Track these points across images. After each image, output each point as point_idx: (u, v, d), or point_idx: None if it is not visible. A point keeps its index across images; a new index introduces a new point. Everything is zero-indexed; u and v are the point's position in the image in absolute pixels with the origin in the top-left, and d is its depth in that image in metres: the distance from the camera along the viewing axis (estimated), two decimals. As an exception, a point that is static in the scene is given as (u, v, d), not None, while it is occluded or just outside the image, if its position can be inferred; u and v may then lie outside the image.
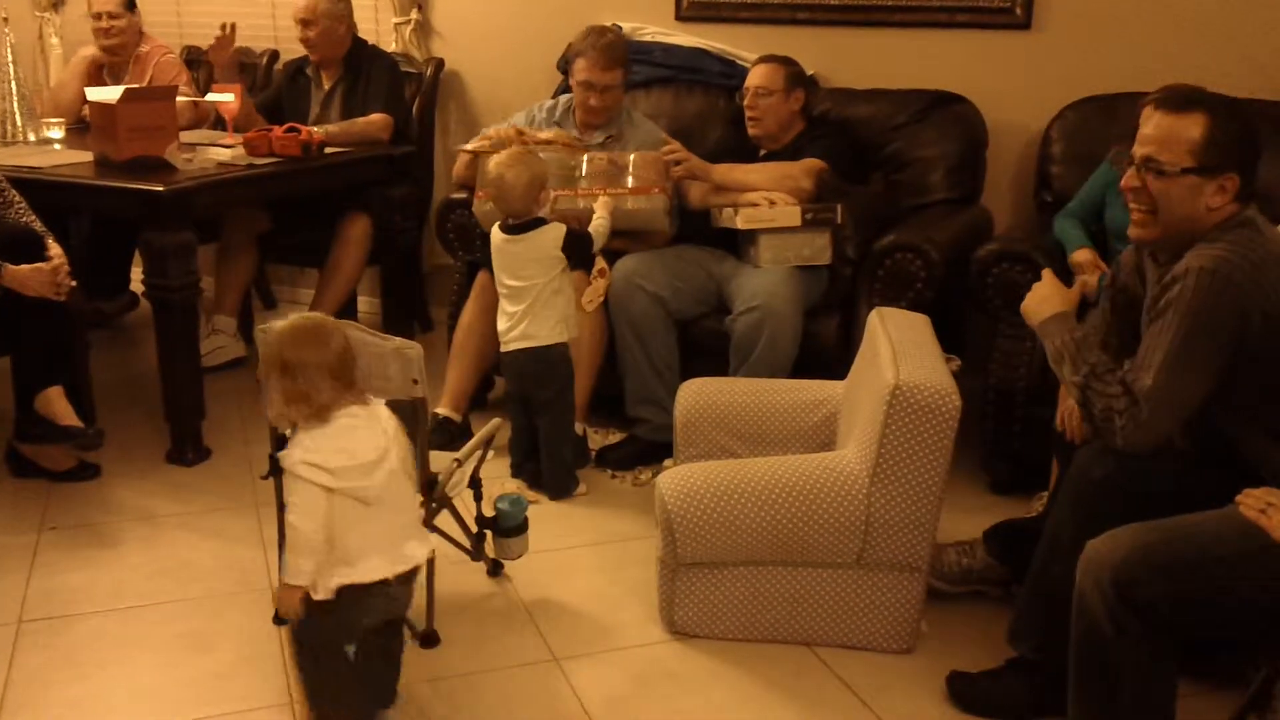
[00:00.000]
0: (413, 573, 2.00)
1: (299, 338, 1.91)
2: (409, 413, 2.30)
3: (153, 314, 3.27)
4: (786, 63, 3.45)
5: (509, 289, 3.03)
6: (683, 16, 4.06)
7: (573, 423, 3.17)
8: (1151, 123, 2.03)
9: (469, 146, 3.47)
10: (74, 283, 3.04)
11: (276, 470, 2.19)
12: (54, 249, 3.02)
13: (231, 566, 2.77)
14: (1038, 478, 2.83)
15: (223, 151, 3.53)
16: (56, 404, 3.00)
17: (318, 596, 1.89)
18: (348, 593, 1.90)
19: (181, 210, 3.21)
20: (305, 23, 3.87)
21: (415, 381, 2.28)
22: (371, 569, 1.91)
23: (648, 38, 4.07)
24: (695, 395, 2.79)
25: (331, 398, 1.89)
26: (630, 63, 3.56)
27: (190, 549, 2.85)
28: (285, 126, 3.60)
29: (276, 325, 1.97)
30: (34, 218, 3.12)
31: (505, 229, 3.02)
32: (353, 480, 1.87)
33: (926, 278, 3.04)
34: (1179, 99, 2.01)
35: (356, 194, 3.89)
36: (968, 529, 2.67)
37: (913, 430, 2.22)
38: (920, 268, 3.05)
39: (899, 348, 2.35)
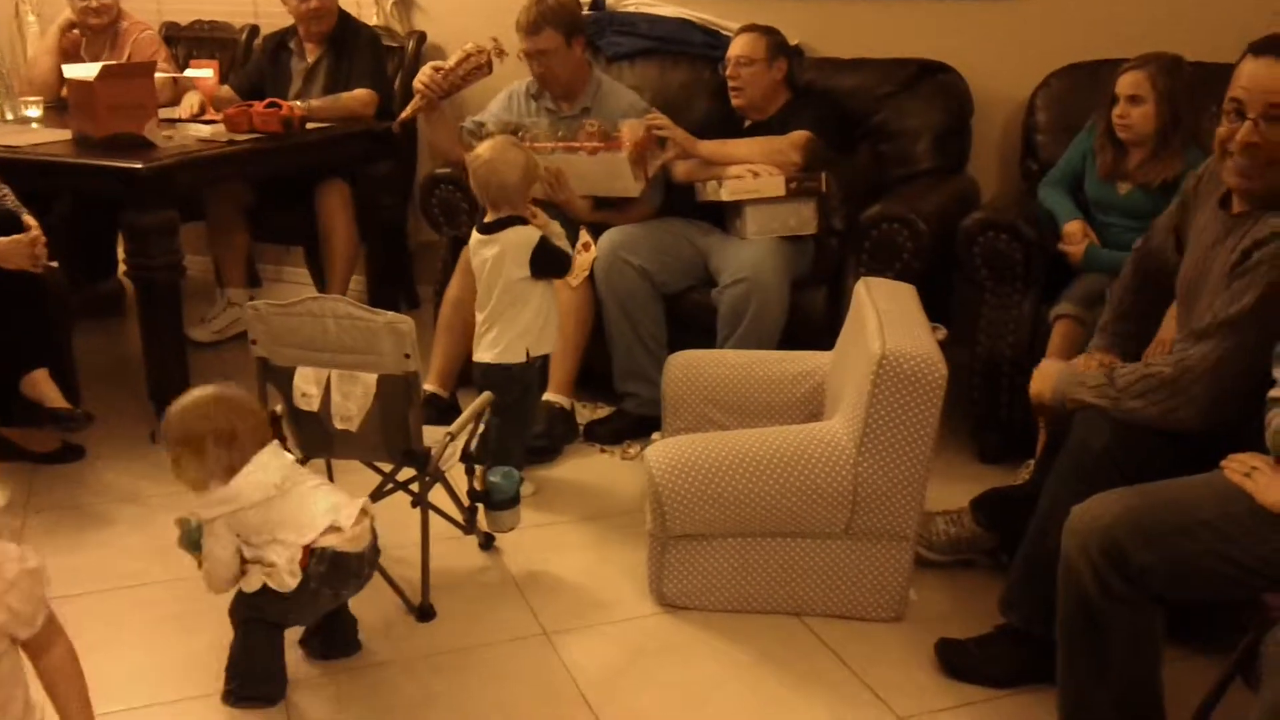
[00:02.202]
0: None
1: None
2: (401, 387, 2.30)
3: (135, 294, 3.25)
4: (768, 32, 3.42)
5: (479, 293, 2.87)
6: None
7: (525, 430, 2.99)
8: (1252, 72, 1.94)
9: (405, 113, 3.49)
10: (54, 262, 3.01)
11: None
12: (29, 221, 2.99)
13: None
14: (1025, 446, 2.84)
15: (203, 128, 3.50)
16: (43, 386, 2.98)
17: None
18: None
19: (162, 188, 3.18)
20: None
21: (407, 356, 2.28)
22: None
23: (631, 8, 4.04)
24: (683, 368, 2.79)
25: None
26: (578, 26, 3.47)
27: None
28: (266, 102, 3.57)
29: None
30: (6, 192, 3.08)
31: (481, 227, 2.85)
32: None
33: (914, 248, 3.04)
34: (1261, 45, 1.94)
35: (338, 168, 3.86)
36: (956, 498, 2.67)
37: (900, 399, 2.22)
38: (907, 238, 3.04)
39: (885, 317, 2.35)
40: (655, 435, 2.97)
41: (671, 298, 3.31)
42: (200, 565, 2.11)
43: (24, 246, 2.92)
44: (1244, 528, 1.76)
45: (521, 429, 2.95)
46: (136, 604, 2.53)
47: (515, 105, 3.58)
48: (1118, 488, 1.88)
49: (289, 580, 2.04)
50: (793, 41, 3.57)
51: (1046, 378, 2.30)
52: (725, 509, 2.32)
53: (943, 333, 2.45)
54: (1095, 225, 2.99)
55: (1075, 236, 2.96)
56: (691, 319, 3.29)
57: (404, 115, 3.45)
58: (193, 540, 2.11)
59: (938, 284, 3.21)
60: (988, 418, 3.11)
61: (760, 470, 2.30)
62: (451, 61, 3.39)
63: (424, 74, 3.38)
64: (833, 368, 2.65)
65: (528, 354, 2.82)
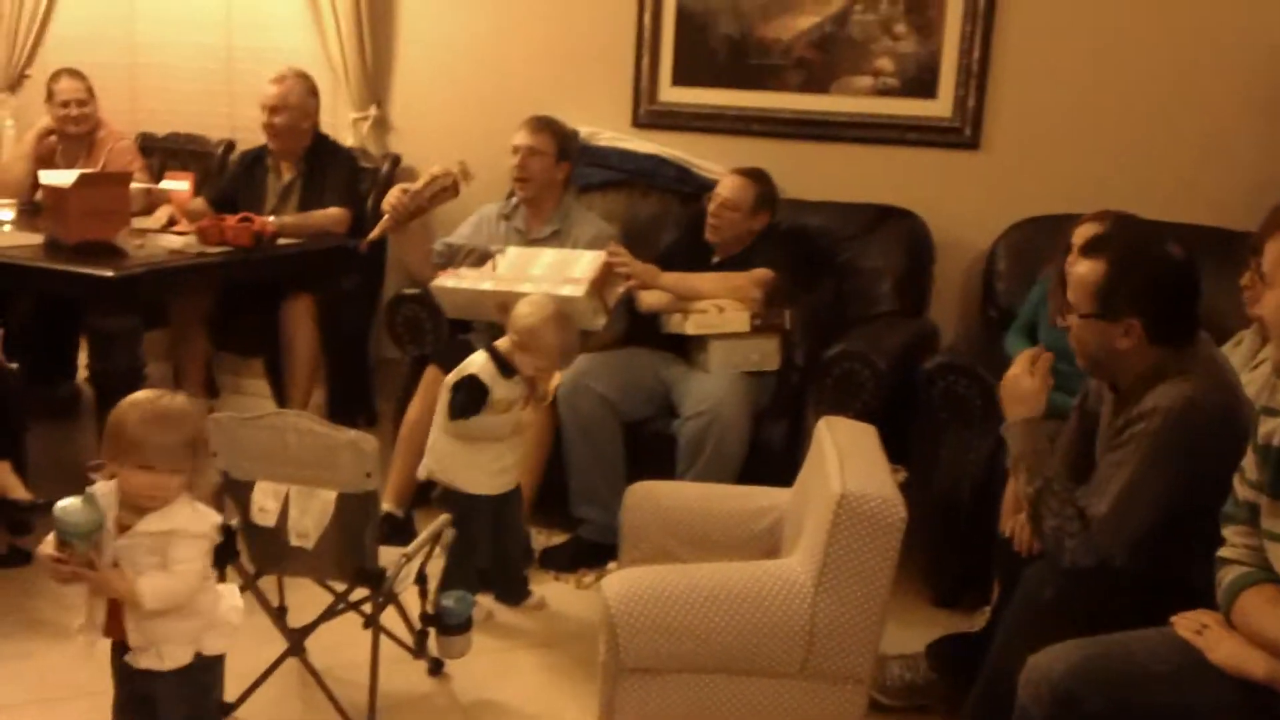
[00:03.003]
0: None
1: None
2: (360, 506, 2.29)
3: (95, 398, 3.22)
4: (760, 181, 3.51)
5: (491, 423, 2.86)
6: (639, 123, 4.14)
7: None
8: (1074, 265, 2.14)
9: (373, 233, 3.53)
10: (14, 364, 3.00)
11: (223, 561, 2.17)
12: None
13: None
14: (981, 591, 2.84)
15: (174, 239, 3.53)
16: (5, 479, 2.97)
17: None
18: None
19: (129, 295, 3.19)
20: (273, 109, 3.90)
21: (368, 475, 2.26)
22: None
23: (604, 143, 4.14)
24: (642, 498, 2.79)
25: None
26: (570, 151, 3.63)
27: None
28: (239, 216, 3.60)
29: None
30: None
31: (505, 370, 2.84)
32: None
33: (874, 387, 3.09)
34: (1091, 244, 2.14)
35: (305, 282, 3.88)
36: (911, 642, 2.66)
37: (858, 539, 2.23)
38: (868, 377, 3.09)
39: (845, 457, 2.37)
40: (612, 565, 2.95)
41: (632, 426, 3.33)
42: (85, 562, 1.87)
43: None
44: (1196, 681, 1.78)
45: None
46: (81, 714, 2.45)
47: (485, 228, 3.64)
48: (1070, 638, 1.89)
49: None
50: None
51: (1020, 401, 2.28)
52: (681, 643, 2.30)
53: (902, 474, 2.48)
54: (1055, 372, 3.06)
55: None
56: (651, 448, 3.30)
57: (372, 235, 3.50)
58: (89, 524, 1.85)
59: (894, 424, 3.25)
60: (943, 560, 3.12)
61: (717, 605, 2.28)
62: (419, 184, 3.45)
63: (392, 195, 3.44)
64: (792, 505, 2.66)
65: None
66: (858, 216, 3.69)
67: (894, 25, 3.75)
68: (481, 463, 2.87)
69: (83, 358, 4.38)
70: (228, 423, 2.31)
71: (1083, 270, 2.11)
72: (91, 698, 2.49)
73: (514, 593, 3.04)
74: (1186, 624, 1.85)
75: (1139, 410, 2.04)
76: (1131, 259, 2.09)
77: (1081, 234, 2.97)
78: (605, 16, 4.11)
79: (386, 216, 3.42)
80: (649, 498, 2.79)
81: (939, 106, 3.74)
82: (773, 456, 3.20)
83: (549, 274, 3.26)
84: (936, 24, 3.70)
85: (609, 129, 4.16)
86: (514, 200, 3.65)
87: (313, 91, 3.98)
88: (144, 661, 1.95)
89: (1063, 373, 3.02)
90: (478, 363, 2.83)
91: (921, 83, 3.75)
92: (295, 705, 2.53)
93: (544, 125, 3.56)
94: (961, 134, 3.71)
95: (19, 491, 2.98)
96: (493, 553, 2.97)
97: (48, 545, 1.87)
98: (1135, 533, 2.03)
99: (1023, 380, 2.30)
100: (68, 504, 1.84)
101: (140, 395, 1.93)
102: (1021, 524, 2.35)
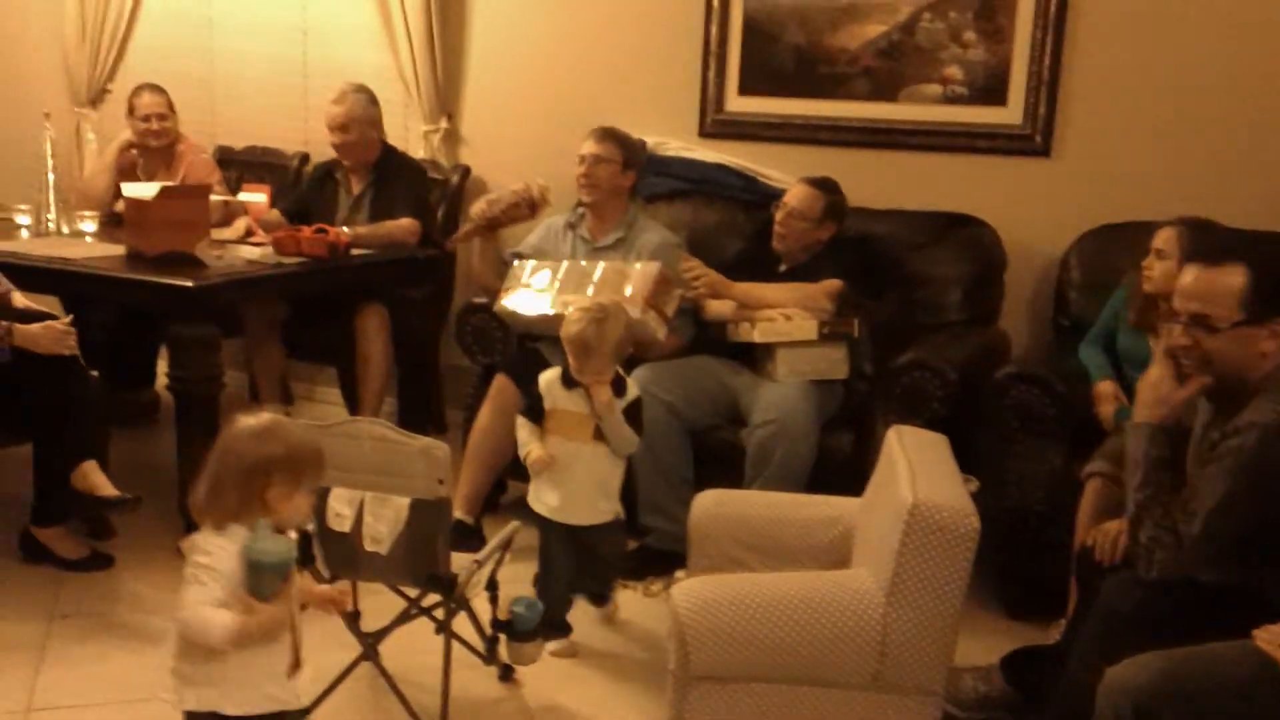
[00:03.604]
0: None
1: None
2: (432, 512, 2.32)
3: (175, 405, 3.31)
4: (828, 190, 3.50)
5: (560, 449, 2.80)
6: (706, 133, 4.16)
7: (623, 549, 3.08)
8: (1190, 276, 2.06)
9: (458, 235, 3.60)
10: (94, 372, 3.09)
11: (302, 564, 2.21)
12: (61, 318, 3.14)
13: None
14: (1054, 603, 2.80)
15: (251, 250, 3.60)
16: (94, 477, 3.06)
17: None
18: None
19: (208, 305, 3.26)
20: (339, 128, 3.97)
21: (440, 482, 2.30)
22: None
23: (671, 152, 4.16)
24: (710, 507, 2.79)
25: None
26: (636, 159, 3.67)
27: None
28: (314, 227, 3.67)
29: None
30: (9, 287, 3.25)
31: (567, 381, 2.81)
32: None
33: (943, 397, 3.07)
34: (1214, 251, 2.06)
35: (377, 292, 3.94)
36: (983, 654, 2.64)
37: (930, 550, 2.21)
38: (937, 387, 3.07)
39: (917, 467, 2.35)
40: (680, 573, 2.95)
41: (699, 435, 3.33)
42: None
43: (56, 331, 3.05)
44: (1276, 695, 1.75)
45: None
46: (156, 717, 2.50)
47: (551, 237, 3.68)
48: (1150, 651, 1.86)
49: None
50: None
51: (1157, 405, 2.15)
52: (750, 652, 2.29)
53: (974, 484, 2.45)
54: (1128, 381, 3.02)
55: (1106, 397, 2.98)
56: (718, 457, 3.31)
57: (457, 236, 3.59)
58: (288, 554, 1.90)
59: (964, 434, 3.22)
60: (1016, 571, 3.09)
61: (787, 615, 2.28)
62: (500, 196, 3.53)
63: (477, 205, 3.54)
64: (861, 515, 2.65)
65: None
66: (927, 225, 3.66)
67: (963, 33, 3.73)
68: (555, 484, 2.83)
69: (162, 365, 4.50)
70: (305, 430, 2.36)
71: (1213, 277, 2.04)
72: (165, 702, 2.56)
73: (597, 596, 3.06)
74: (1268, 638, 1.82)
75: (1236, 424, 2.00)
76: (1268, 261, 2.04)
77: (1159, 237, 2.94)
78: (672, 27, 4.13)
79: (470, 223, 3.49)
80: (717, 506, 2.79)
81: (1009, 114, 3.70)
82: (840, 465, 3.19)
83: (603, 291, 3.28)
84: (1007, 31, 3.67)
85: (675, 139, 4.17)
86: (580, 210, 3.68)
87: (373, 101, 4.04)
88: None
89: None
90: (547, 374, 2.85)
91: (991, 90, 3.71)
92: (368, 709, 2.57)
93: (609, 134, 3.59)
94: (1032, 141, 3.67)
95: (107, 489, 3.07)
96: (576, 577, 2.93)
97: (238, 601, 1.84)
98: (1223, 548, 2.00)
99: (1166, 384, 2.15)
100: (263, 537, 1.84)
101: (297, 422, 2.02)
102: (1103, 533, 2.32)
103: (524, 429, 2.82)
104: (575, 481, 2.80)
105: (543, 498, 2.83)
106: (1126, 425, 2.26)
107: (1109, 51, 3.58)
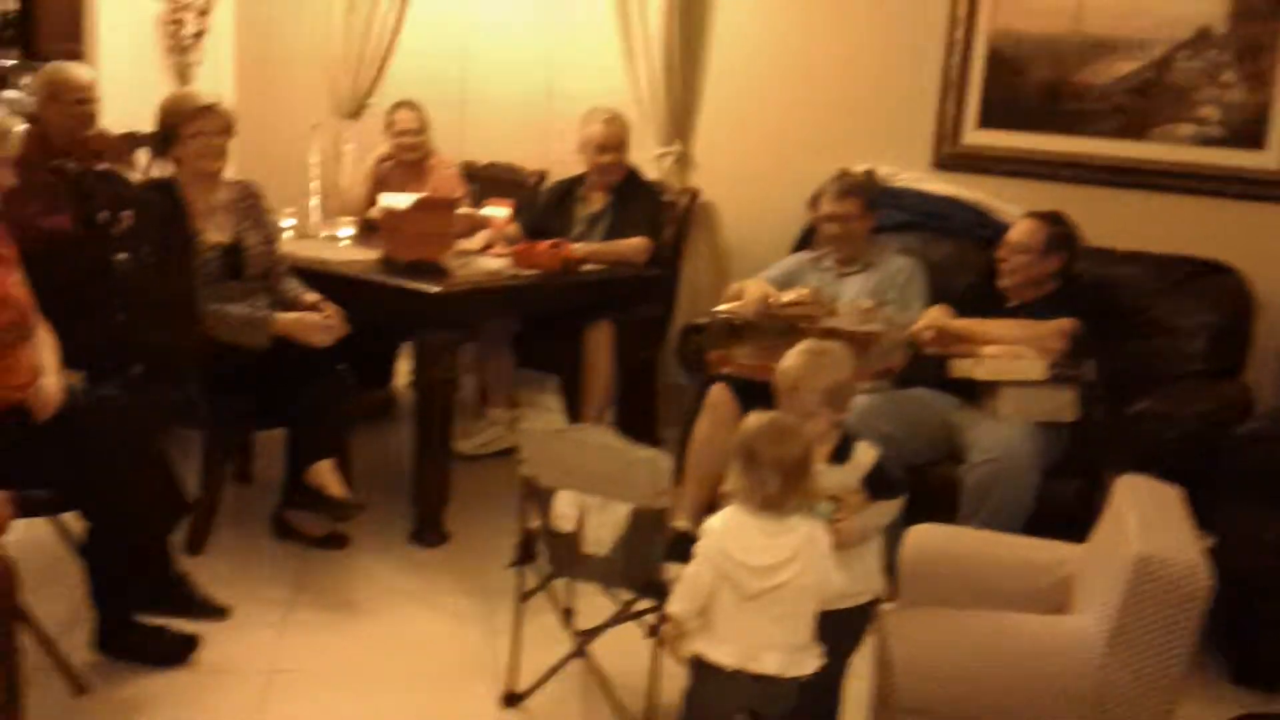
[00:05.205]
0: (771, 680, 2.08)
1: (767, 434, 2.10)
2: (652, 520, 2.40)
3: (415, 404, 3.53)
4: (1052, 222, 3.41)
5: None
6: (940, 165, 4.12)
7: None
8: None
9: (721, 308, 3.61)
10: (342, 365, 3.33)
11: (524, 560, 2.34)
12: (327, 306, 3.39)
13: (462, 648, 2.92)
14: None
15: (493, 261, 3.81)
16: (327, 476, 3.27)
17: (680, 654, 2.16)
18: (703, 667, 2.11)
19: (451, 311, 3.47)
20: (611, 148, 4.15)
21: (662, 492, 2.38)
22: (722, 653, 2.08)
23: (901, 184, 4.14)
24: (923, 541, 2.76)
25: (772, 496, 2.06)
26: (875, 199, 3.67)
27: (424, 626, 3.03)
28: (550, 242, 3.84)
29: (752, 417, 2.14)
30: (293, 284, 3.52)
31: None
32: (736, 573, 2.05)
33: (1179, 449, 2.95)
34: None
35: (605, 308, 4.08)
36: (1205, 718, 2.52)
37: (1156, 605, 2.14)
38: (1174, 439, 2.96)
39: (1147, 518, 2.28)
40: (888, 605, 2.93)
41: (913, 469, 3.30)
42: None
43: (316, 321, 3.29)
44: None
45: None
46: (382, 692, 2.69)
47: (800, 270, 3.72)
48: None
49: None
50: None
51: None
52: (960, 689, 2.27)
53: (1208, 542, 2.36)
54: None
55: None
56: (933, 492, 3.26)
57: (722, 309, 3.61)
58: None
59: (1199, 489, 3.08)
60: (1243, 637, 2.93)
61: (1000, 656, 2.25)
62: (787, 297, 3.52)
63: (753, 296, 3.54)
64: (1084, 563, 2.58)
65: None
66: (1171, 270, 3.52)
67: (1221, 73, 3.58)
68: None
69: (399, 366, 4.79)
70: (538, 434, 2.49)
71: None
72: (391, 679, 2.76)
73: None
74: None
75: None
76: None
77: None
78: (911, 58, 4.12)
79: (739, 305, 3.55)
80: (930, 541, 2.76)
81: (1267, 158, 3.53)
82: (1062, 512, 3.10)
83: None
84: (1268, 73, 3.50)
85: (907, 170, 4.15)
86: (825, 250, 3.71)
87: (627, 128, 4.22)
88: None
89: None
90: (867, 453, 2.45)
91: (1248, 133, 3.55)
92: (576, 704, 2.68)
93: (849, 190, 3.60)
94: (1288, 188, 3.49)
95: (336, 489, 3.27)
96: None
97: None
98: None
99: None
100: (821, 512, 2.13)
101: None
102: None
103: None
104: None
105: None
106: None
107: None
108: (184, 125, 3.33)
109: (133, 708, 2.56)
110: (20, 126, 2.74)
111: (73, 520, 2.73)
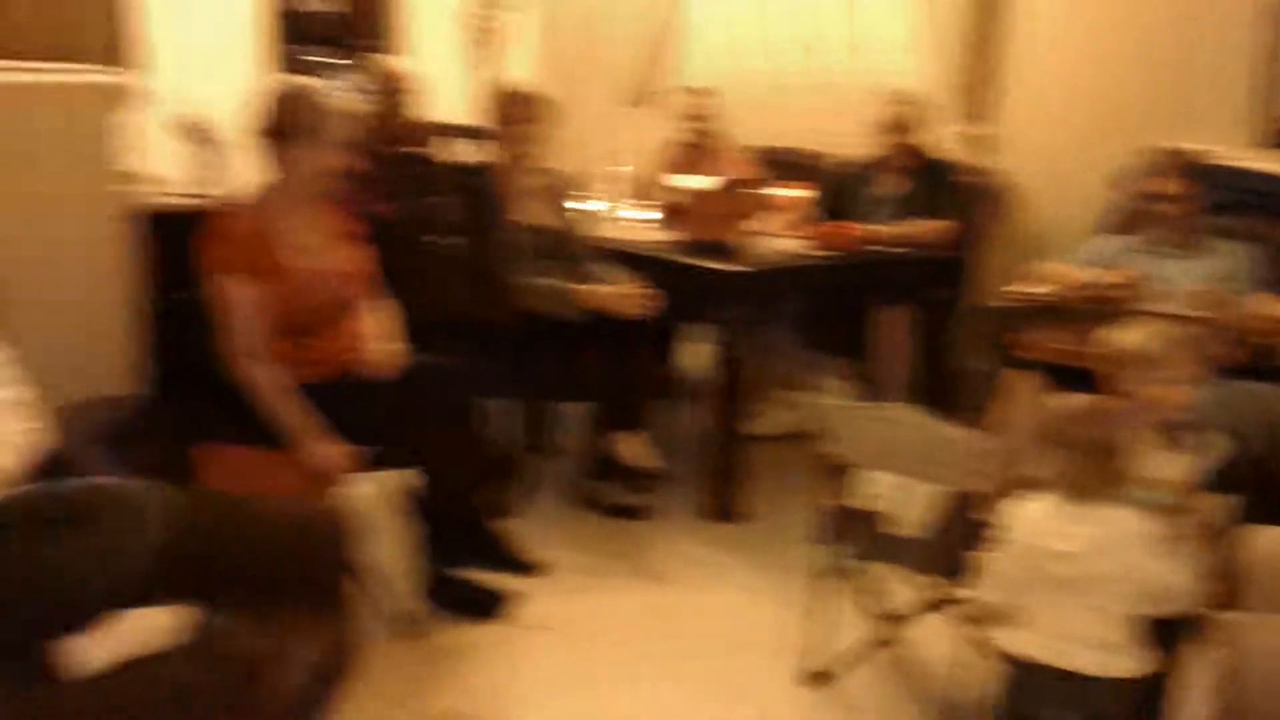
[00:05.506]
0: (1084, 678, 1.97)
1: (1079, 417, 2.05)
2: (962, 502, 2.34)
3: (709, 383, 3.60)
4: None
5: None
6: (1265, 142, 3.80)
7: None
8: None
9: (1025, 290, 3.46)
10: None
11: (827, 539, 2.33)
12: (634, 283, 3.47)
13: (756, 623, 2.94)
14: None
15: (789, 242, 3.81)
16: (630, 448, 3.39)
17: (989, 644, 2.08)
18: (1014, 660, 2.02)
19: (748, 291, 3.50)
20: (903, 129, 4.11)
21: (975, 473, 2.31)
22: (1031, 645, 1.99)
23: (1218, 161, 3.85)
24: (1272, 544, 2.56)
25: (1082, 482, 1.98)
26: (1193, 172, 3.41)
27: (720, 598, 3.08)
28: (845, 224, 3.81)
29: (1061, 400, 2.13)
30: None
31: None
32: (1044, 561, 1.96)
33: None
34: None
35: (899, 290, 4.00)
36: None
37: None
38: None
39: None
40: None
41: (1256, 466, 3.06)
42: None
43: (624, 295, 3.37)
44: None
45: None
46: (671, 658, 2.76)
47: (1111, 246, 3.53)
48: None
49: None
50: None
51: None
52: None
53: None
54: None
55: None
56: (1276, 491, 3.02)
57: (1026, 291, 3.48)
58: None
59: None
60: None
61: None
62: (1105, 280, 3.36)
63: (1066, 279, 3.39)
64: None
65: None
66: None
67: None
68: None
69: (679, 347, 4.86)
70: (846, 411, 2.48)
71: None
72: (682, 644, 2.84)
73: None
74: None
75: None
76: None
77: None
78: (1227, 30, 3.82)
79: (1048, 291, 3.40)
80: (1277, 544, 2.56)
81: None
82: None
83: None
84: None
85: (1223, 146, 3.85)
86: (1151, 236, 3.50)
87: (925, 110, 4.13)
88: None
89: None
90: None
91: None
92: (879, 687, 2.64)
93: (1179, 168, 3.36)
94: None
95: (640, 460, 3.39)
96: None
97: None
98: None
99: None
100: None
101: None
102: None
103: None
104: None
105: None
106: None
107: None
108: (506, 112, 3.51)
109: (456, 656, 2.73)
110: (363, 112, 2.95)
111: (403, 476, 2.91)
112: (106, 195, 2.76)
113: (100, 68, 2.76)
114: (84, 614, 1.60)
